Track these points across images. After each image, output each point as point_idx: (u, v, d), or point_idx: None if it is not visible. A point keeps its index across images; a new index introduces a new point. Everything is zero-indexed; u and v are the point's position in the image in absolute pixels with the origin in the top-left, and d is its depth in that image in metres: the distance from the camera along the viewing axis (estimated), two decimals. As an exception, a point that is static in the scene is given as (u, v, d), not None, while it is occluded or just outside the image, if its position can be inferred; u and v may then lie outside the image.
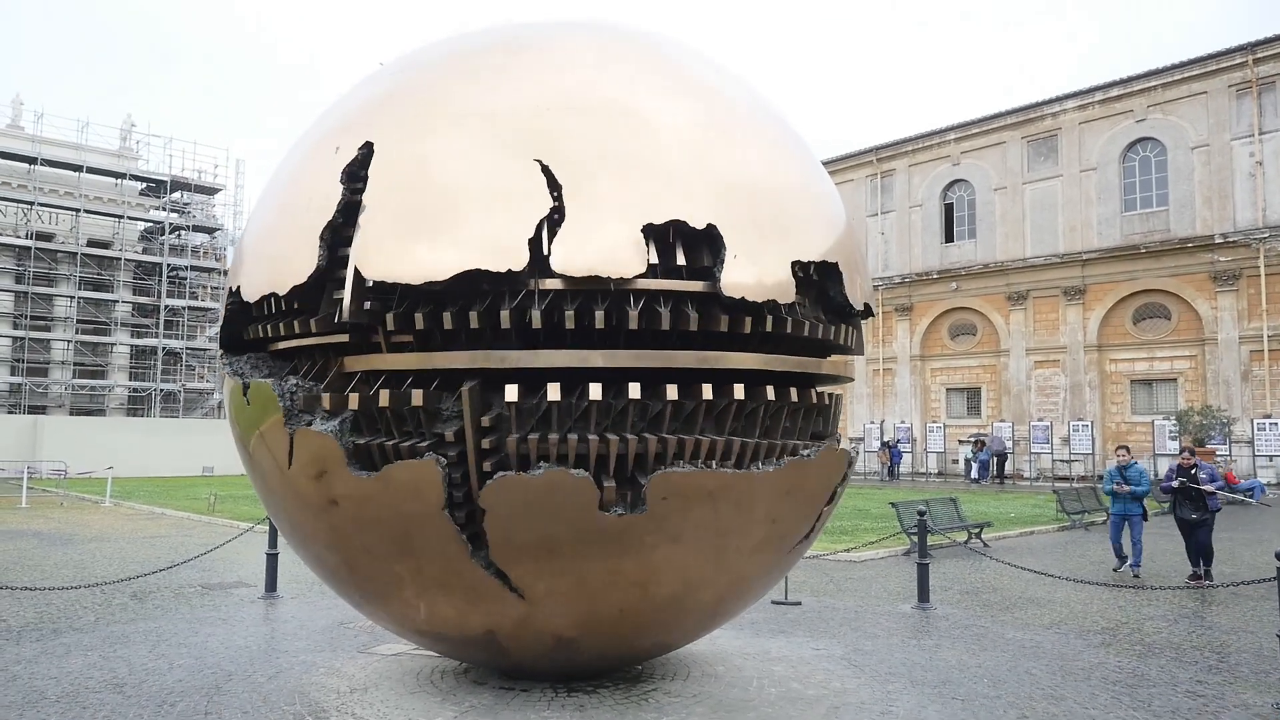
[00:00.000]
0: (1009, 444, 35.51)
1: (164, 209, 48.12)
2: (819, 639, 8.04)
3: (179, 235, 48.02)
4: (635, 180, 4.91)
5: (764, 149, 5.54)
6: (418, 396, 4.85)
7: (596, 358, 4.77)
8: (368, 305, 4.89)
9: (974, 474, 34.12)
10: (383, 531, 5.07)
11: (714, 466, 4.99)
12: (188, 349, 46.61)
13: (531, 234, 4.68)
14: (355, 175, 5.07)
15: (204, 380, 48.52)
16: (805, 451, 5.40)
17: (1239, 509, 23.60)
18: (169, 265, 46.10)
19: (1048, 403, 37.04)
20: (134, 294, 46.82)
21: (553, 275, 4.71)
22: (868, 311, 5.98)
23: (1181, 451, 12.48)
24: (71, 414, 43.70)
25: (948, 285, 40.52)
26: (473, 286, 4.77)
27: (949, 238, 41.27)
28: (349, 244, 4.94)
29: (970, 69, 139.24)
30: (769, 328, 5.08)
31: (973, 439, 35.90)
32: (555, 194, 4.76)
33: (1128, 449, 13.19)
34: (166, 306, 45.88)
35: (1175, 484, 11.64)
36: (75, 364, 44.80)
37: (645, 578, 5.11)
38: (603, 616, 5.23)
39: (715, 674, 6.57)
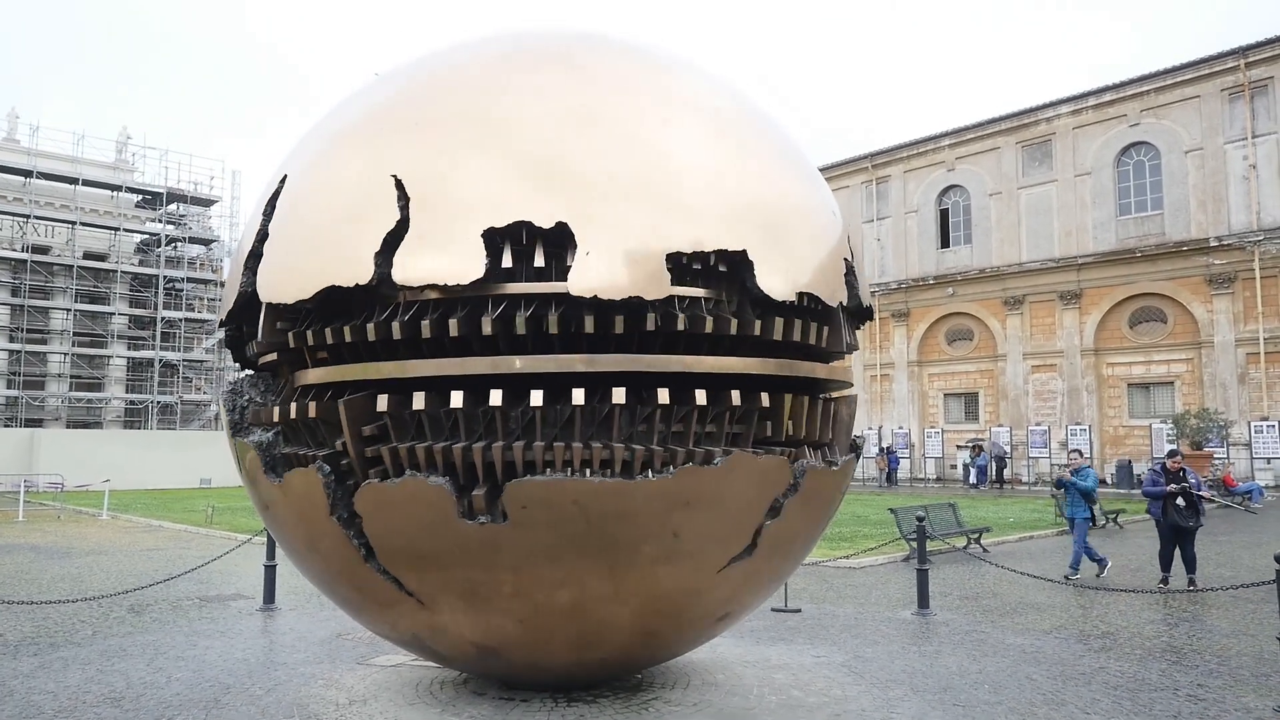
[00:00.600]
0: (1007, 448, 35.53)
1: (160, 221, 48.11)
2: (819, 646, 8.02)
3: (175, 247, 47.99)
4: (491, 183, 4.92)
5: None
6: (312, 408, 5.12)
7: (481, 364, 4.82)
8: (278, 325, 5.34)
9: (972, 479, 34.12)
10: (298, 535, 5.51)
11: (591, 474, 4.75)
12: (184, 361, 46.57)
13: (378, 247, 4.84)
14: (272, 203, 5.55)
15: (201, 392, 48.46)
16: (718, 460, 4.90)
17: (1234, 512, 23.60)
18: (165, 277, 46.07)
19: (1045, 407, 37.07)
20: (130, 306, 46.77)
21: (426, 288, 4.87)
22: (867, 314, 6.02)
23: (1171, 455, 12.24)
24: (68, 427, 43.61)
25: (944, 291, 40.57)
26: (355, 302, 5.06)
27: (945, 243, 41.35)
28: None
29: (963, 76, 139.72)
30: (681, 326, 4.87)
31: (971, 444, 35.91)
32: (402, 204, 4.89)
33: (1080, 452, 13.30)
34: (163, 318, 45.83)
35: (1170, 489, 11.42)
36: (71, 377, 44.71)
37: (530, 589, 5.02)
38: (506, 629, 5.24)
39: (715, 682, 6.55)
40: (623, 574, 5.02)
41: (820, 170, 7.30)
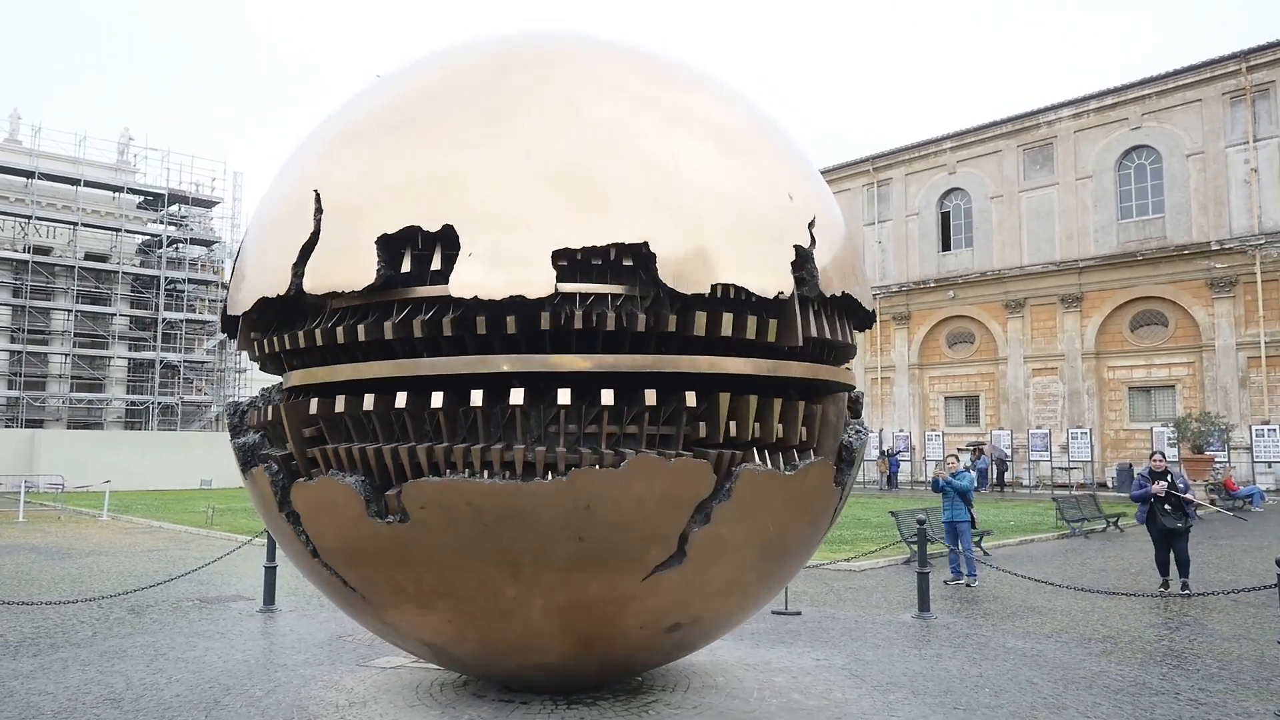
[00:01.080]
0: (1008, 452, 35.51)
1: (162, 222, 48.11)
2: (819, 649, 8.01)
3: (177, 248, 47.99)
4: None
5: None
6: (269, 411, 5.44)
7: (424, 366, 4.89)
8: (251, 335, 5.60)
9: (974, 482, 34.09)
10: (271, 527, 5.88)
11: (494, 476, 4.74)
12: (185, 362, 46.55)
13: (295, 257, 5.07)
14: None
15: (202, 393, 48.44)
16: (623, 463, 4.76)
17: (1239, 514, 23.58)
18: (166, 278, 46.08)
19: (1046, 410, 37.05)
20: (131, 307, 46.76)
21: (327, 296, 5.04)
22: (863, 314, 5.94)
23: (1153, 455, 12.15)
24: (69, 427, 43.60)
25: (945, 294, 40.57)
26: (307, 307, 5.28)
27: (946, 246, 41.35)
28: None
29: (965, 77, 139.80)
30: (611, 325, 4.77)
31: (972, 447, 35.89)
32: (317, 215, 5.07)
33: (956, 457, 13.22)
34: (164, 319, 45.84)
35: (1155, 489, 11.32)
36: (72, 377, 44.71)
37: (451, 590, 5.08)
38: (443, 628, 5.38)
39: (716, 685, 6.54)
40: (532, 578, 4.95)
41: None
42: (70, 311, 44.11)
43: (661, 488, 4.83)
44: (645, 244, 4.76)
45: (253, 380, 44.28)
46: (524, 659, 5.54)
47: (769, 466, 5.12)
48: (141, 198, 48.49)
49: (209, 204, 49.42)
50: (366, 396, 4.95)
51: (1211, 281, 33.08)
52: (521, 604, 5.06)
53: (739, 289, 4.90)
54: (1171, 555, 11.48)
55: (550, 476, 4.73)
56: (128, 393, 46.76)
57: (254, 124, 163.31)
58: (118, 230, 46.28)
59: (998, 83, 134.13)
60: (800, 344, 5.16)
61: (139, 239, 49.13)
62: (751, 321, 4.98)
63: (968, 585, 11.66)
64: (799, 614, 9.63)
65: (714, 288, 4.83)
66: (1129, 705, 6.34)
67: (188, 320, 46.75)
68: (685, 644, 5.91)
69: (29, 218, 43.49)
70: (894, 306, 41.95)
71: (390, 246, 4.86)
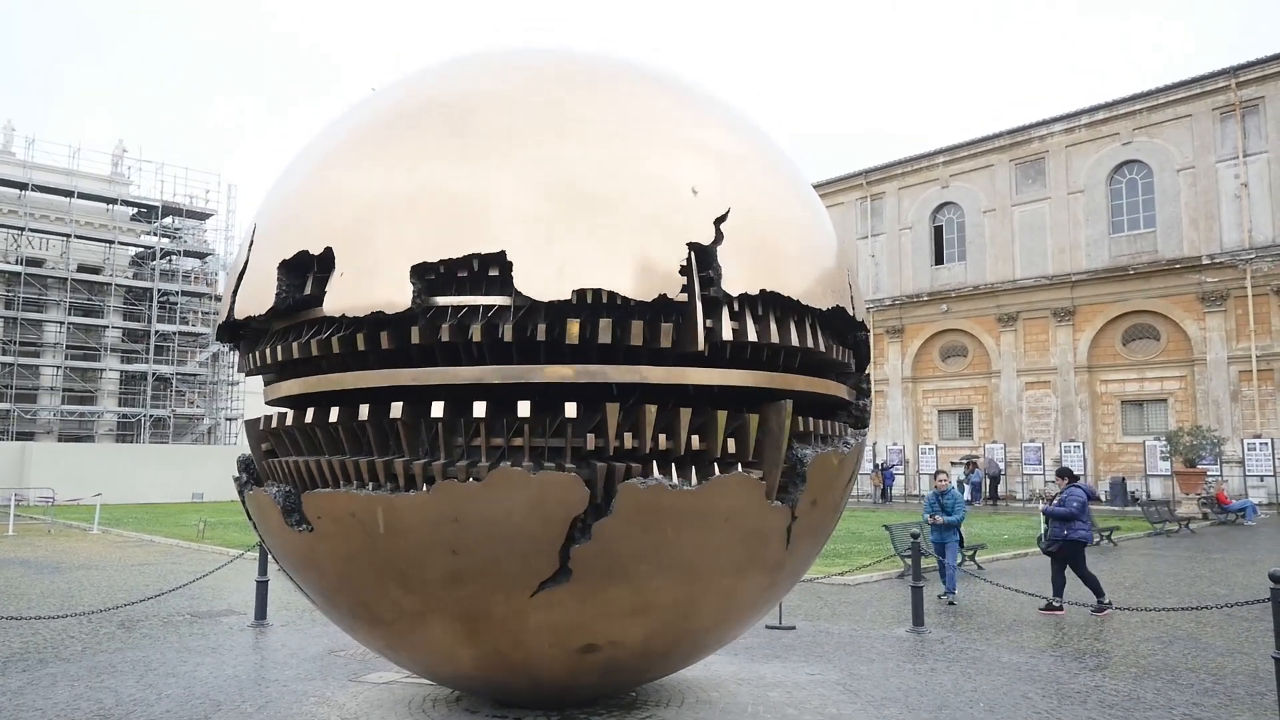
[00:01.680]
0: (1001, 465, 35.56)
1: (155, 234, 48.07)
2: (814, 664, 7.99)
3: (170, 260, 47.93)
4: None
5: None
6: (263, 422, 5.50)
7: (405, 376, 4.82)
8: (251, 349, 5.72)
9: (966, 495, 34.14)
10: None
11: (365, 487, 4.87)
12: (178, 374, 46.41)
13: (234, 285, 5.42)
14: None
15: (194, 406, 48.27)
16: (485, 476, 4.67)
17: (1232, 529, 23.64)
18: (160, 291, 45.99)
19: (1039, 424, 37.13)
20: (124, 319, 46.62)
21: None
22: (854, 326, 5.81)
23: (1060, 474, 11.83)
24: (60, 440, 43.40)
25: (938, 307, 40.70)
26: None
27: (939, 260, 41.51)
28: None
29: (957, 92, 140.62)
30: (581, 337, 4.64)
31: (965, 460, 35.95)
32: (249, 244, 5.37)
33: (946, 474, 12.98)
34: (157, 332, 45.72)
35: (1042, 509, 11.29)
36: (64, 390, 44.51)
37: (365, 599, 5.27)
38: (377, 636, 5.64)
39: (710, 700, 6.51)
40: (422, 590, 4.94)
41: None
42: (62, 324, 43.97)
43: (528, 501, 4.64)
44: (503, 252, 4.60)
45: (245, 393, 44.17)
46: (448, 670, 5.66)
47: (658, 480, 4.69)
48: (135, 210, 48.43)
49: (203, 216, 49.39)
50: (288, 412, 5.23)
51: (1203, 295, 33.26)
52: (423, 616, 5.08)
53: (610, 293, 4.60)
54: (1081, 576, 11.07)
55: (425, 489, 4.70)
56: (120, 405, 46.55)
57: (249, 137, 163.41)
58: (111, 242, 46.21)
59: (989, 97, 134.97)
60: (700, 348, 4.71)
61: (132, 251, 49.08)
62: (636, 326, 4.62)
63: (950, 604, 11.43)
64: (793, 628, 9.60)
65: (576, 293, 4.57)
66: (1123, 720, 6.33)
67: (180, 333, 46.64)
68: (620, 668, 5.45)
69: (22, 229, 43.42)
70: (887, 320, 42.06)
71: (294, 270, 5.02)
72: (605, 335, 4.59)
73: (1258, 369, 31.85)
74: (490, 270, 4.71)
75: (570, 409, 4.64)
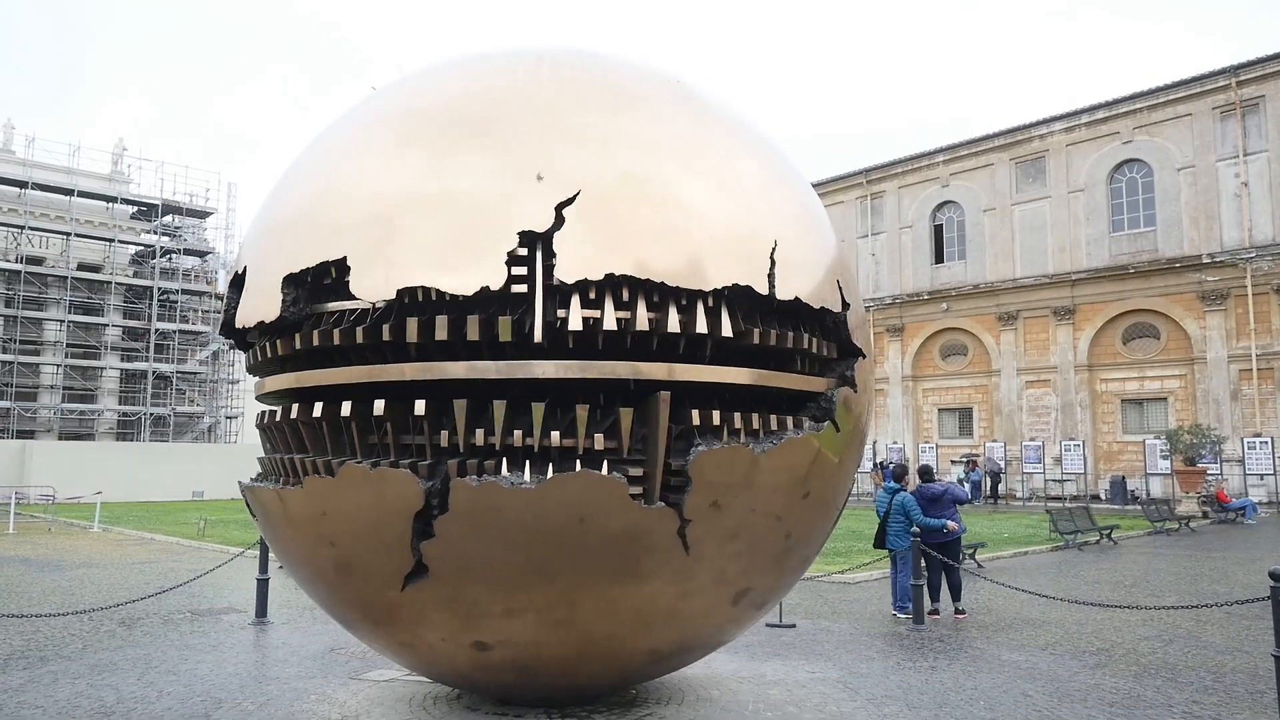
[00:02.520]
0: (1001, 464, 35.57)
1: (155, 233, 48.08)
2: (814, 662, 8.00)
3: (170, 259, 47.95)
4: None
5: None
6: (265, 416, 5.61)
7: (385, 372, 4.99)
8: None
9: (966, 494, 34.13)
10: None
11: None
12: (178, 373, 46.42)
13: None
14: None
15: (194, 404, 48.28)
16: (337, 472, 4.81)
17: (1232, 527, 23.65)
18: (159, 289, 46.00)
19: (1039, 422, 37.13)
20: (124, 318, 46.63)
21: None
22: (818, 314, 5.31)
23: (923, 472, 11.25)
24: (60, 438, 43.40)
25: (938, 306, 40.70)
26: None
27: (939, 259, 41.51)
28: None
29: (958, 91, 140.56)
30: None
31: (965, 459, 35.95)
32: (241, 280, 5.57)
33: (932, 468, 11.80)
34: (157, 330, 45.72)
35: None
36: (64, 388, 44.52)
37: (301, 584, 5.92)
38: (328, 616, 6.27)
39: (710, 698, 6.52)
40: (323, 579, 5.40)
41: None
42: (62, 322, 43.99)
43: (371, 497, 4.74)
44: (344, 258, 4.78)
45: (245, 391, 44.17)
46: (374, 658, 6.23)
47: (491, 478, 4.59)
48: (135, 208, 48.46)
49: (203, 215, 49.41)
50: (267, 409, 5.56)
51: (1203, 294, 33.26)
52: (343, 603, 5.52)
53: (427, 289, 4.64)
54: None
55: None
56: (120, 404, 46.58)
57: (249, 135, 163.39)
58: (111, 241, 46.23)
59: (989, 96, 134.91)
60: (539, 340, 4.56)
61: (132, 249, 49.09)
62: (472, 322, 4.58)
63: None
64: (793, 626, 9.61)
65: (400, 292, 4.66)
66: (1123, 718, 6.33)
67: (181, 331, 46.65)
68: (532, 670, 5.32)
69: (22, 228, 43.43)
70: (888, 319, 42.06)
71: (293, 282, 5.08)
72: (441, 332, 4.61)
73: (1258, 368, 31.85)
74: (332, 276, 4.95)
75: (419, 406, 4.68)
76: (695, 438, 4.79)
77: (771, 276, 4.95)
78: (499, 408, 4.62)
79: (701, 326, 4.73)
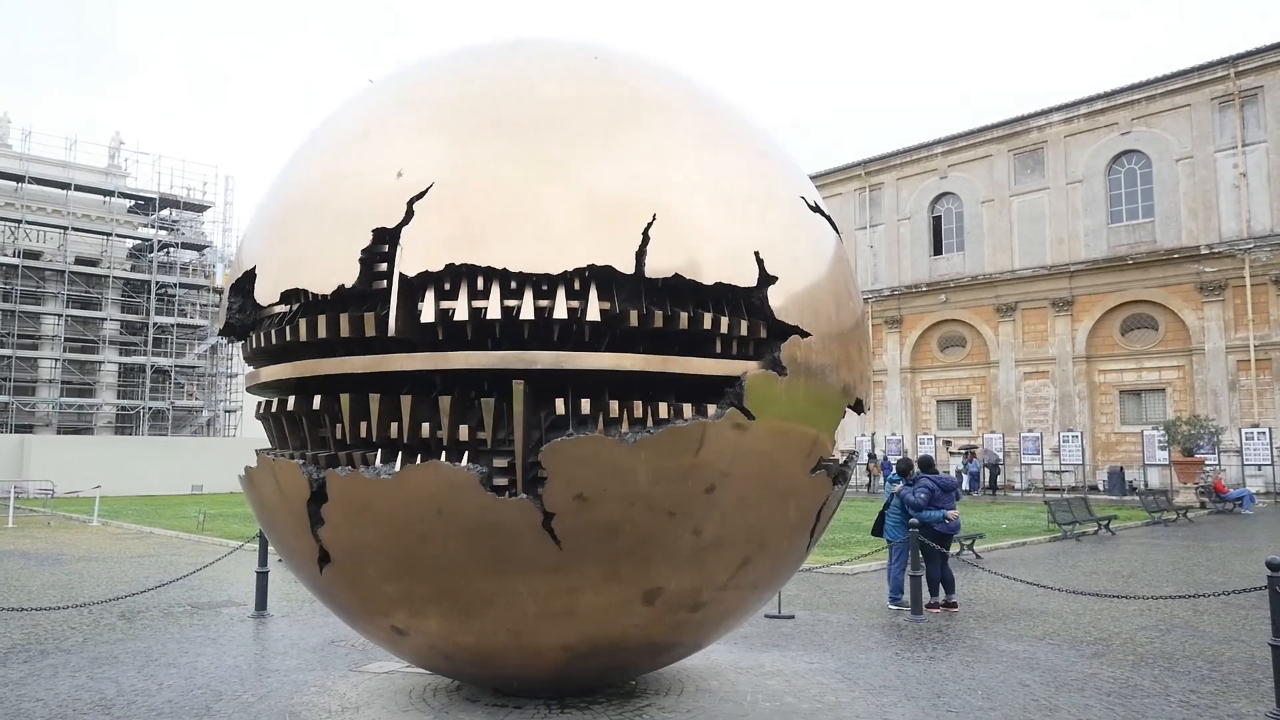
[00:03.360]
0: (1000, 455, 35.61)
1: (153, 226, 47.97)
2: (813, 652, 8.02)
3: (168, 252, 47.85)
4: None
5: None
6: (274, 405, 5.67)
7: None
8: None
9: (965, 485, 34.19)
10: None
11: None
12: (176, 367, 46.36)
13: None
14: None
15: (193, 398, 48.26)
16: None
17: (1229, 517, 23.71)
18: (157, 283, 45.93)
19: (1037, 414, 37.17)
20: (122, 312, 46.56)
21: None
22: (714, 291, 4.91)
23: (924, 463, 11.00)
24: (59, 433, 43.35)
25: (936, 298, 40.71)
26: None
27: (937, 250, 41.49)
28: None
29: (955, 83, 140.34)
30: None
31: (964, 450, 35.99)
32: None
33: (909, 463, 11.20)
34: (155, 324, 45.66)
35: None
36: (63, 382, 44.47)
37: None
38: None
39: (709, 689, 6.54)
40: (284, 561, 6.16)
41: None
42: (60, 316, 43.92)
43: (275, 486, 5.20)
44: (254, 268, 5.27)
45: (243, 385, 44.09)
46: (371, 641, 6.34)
47: (360, 468, 4.78)
48: (132, 202, 48.34)
49: (200, 208, 49.28)
50: (260, 401, 5.75)
51: (1201, 285, 33.27)
52: (313, 590, 5.92)
53: (303, 292, 4.96)
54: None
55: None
56: (118, 398, 46.53)
57: (246, 128, 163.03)
58: (108, 234, 46.12)
59: (987, 87, 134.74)
60: (392, 333, 4.68)
61: (130, 243, 48.96)
62: (343, 319, 4.80)
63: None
64: (792, 617, 9.63)
65: (285, 293, 5.04)
66: (1121, 707, 6.36)
67: (179, 325, 46.58)
68: (452, 657, 5.54)
69: (19, 222, 43.30)
70: (886, 311, 42.06)
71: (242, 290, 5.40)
72: (322, 331, 4.86)
73: (1255, 358, 31.88)
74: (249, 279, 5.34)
75: (317, 401, 5.04)
76: (570, 428, 4.70)
77: (641, 254, 4.66)
78: (374, 401, 4.80)
79: (561, 312, 4.61)
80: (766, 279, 4.97)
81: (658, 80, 5.71)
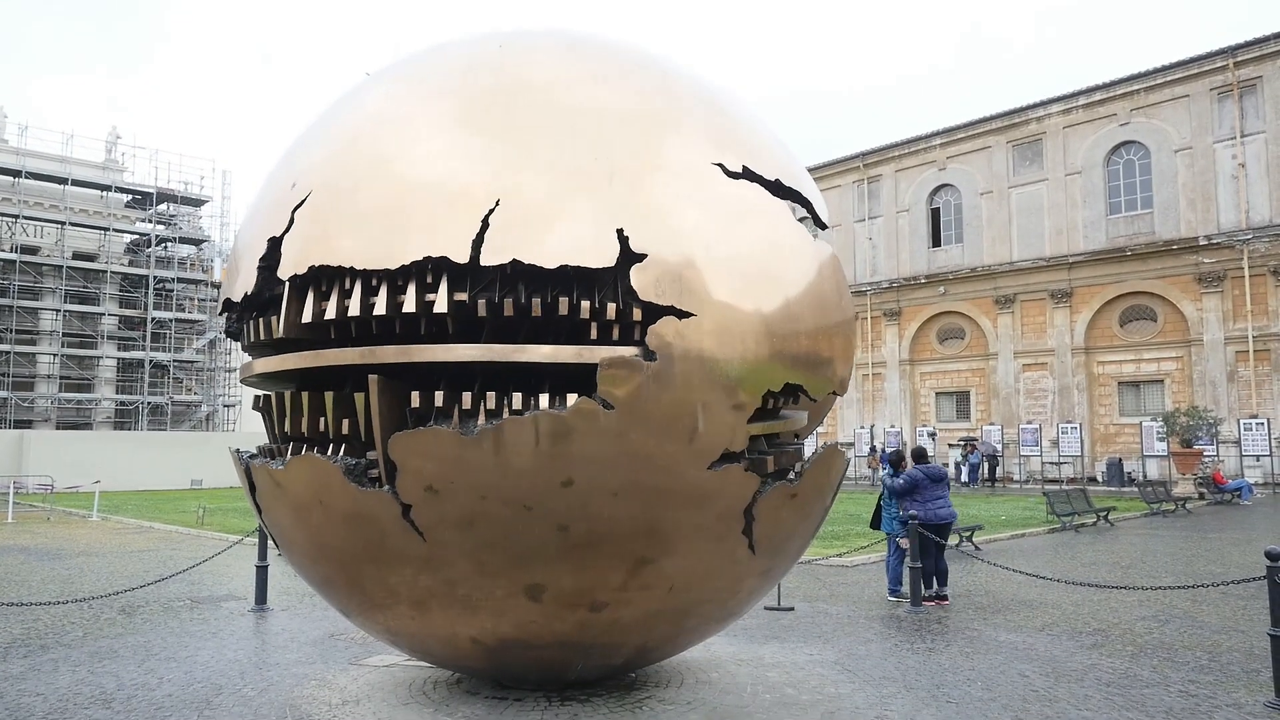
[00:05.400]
0: (999, 447, 35.64)
1: (150, 221, 47.90)
2: (812, 644, 8.03)
3: (165, 247, 47.79)
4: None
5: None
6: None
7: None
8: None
9: (964, 477, 34.21)
10: None
11: None
12: (175, 362, 46.35)
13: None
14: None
15: (192, 393, 48.25)
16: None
17: (1228, 508, 23.75)
18: (155, 278, 45.88)
19: (1036, 405, 37.19)
20: (120, 307, 46.55)
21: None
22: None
23: (917, 456, 10.91)
24: (58, 428, 43.36)
25: (935, 289, 40.68)
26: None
27: (936, 242, 41.46)
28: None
29: (954, 73, 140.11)
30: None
31: (963, 442, 36.00)
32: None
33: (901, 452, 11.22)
34: (153, 319, 45.62)
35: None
36: (61, 378, 44.47)
37: None
38: None
39: (709, 680, 6.55)
40: None
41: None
42: (58, 311, 43.89)
43: (236, 474, 5.85)
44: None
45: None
46: None
47: (268, 462, 5.31)
48: (130, 196, 48.26)
49: (198, 203, 49.23)
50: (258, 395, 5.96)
51: (1200, 276, 33.25)
52: None
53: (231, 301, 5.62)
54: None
55: None
56: (117, 393, 46.53)
57: (243, 123, 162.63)
58: (106, 229, 46.06)
59: (986, 78, 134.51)
60: (278, 335, 5.10)
61: (127, 238, 48.92)
62: (260, 321, 5.34)
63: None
64: (792, 609, 9.65)
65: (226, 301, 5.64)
66: (1120, 697, 6.37)
67: (177, 320, 46.56)
68: (394, 637, 5.77)
69: (16, 217, 43.23)
70: (885, 303, 42.05)
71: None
72: (255, 335, 5.34)
73: (1254, 349, 31.88)
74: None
75: (263, 398, 5.62)
76: (433, 420, 4.75)
77: (478, 242, 4.55)
78: (288, 398, 5.23)
79: (410, 305, 4.68)
80: (631, 257, 4.59)
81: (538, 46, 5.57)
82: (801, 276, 5.21)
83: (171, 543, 17.09)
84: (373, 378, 4.69)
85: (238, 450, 5.75)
